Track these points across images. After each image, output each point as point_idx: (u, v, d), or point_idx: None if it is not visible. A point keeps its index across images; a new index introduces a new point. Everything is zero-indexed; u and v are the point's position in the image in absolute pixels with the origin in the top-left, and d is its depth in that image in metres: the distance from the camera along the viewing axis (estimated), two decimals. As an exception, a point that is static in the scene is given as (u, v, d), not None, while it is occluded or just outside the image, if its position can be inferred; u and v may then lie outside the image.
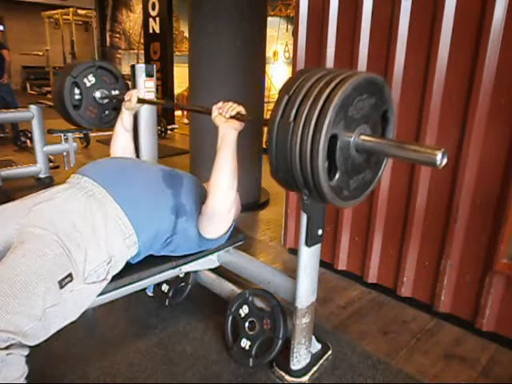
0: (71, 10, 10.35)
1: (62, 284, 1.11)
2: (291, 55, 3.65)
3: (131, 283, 1.42)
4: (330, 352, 1.62)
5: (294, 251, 2.38)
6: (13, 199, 1.37)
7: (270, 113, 1.05)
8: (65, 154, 3.82)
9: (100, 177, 1.38)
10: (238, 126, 1.35)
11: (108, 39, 9.25)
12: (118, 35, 9.32)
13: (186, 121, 7.28)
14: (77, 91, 1.93)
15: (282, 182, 1.11)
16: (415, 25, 1.77)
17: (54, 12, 10.78)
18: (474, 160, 1.68)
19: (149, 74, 2.06)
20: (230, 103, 1.36)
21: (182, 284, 1.90)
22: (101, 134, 5.46)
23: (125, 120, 1.80)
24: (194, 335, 1.73)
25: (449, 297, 1.86)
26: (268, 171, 1.12)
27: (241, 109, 1.35)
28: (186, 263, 1.59)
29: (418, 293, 1.98)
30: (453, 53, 1.68)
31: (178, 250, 1.53)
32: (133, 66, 2.10)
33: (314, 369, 1.53)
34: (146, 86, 2.07)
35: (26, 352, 1.06)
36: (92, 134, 5.40)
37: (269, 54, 8.36)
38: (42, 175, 3.74)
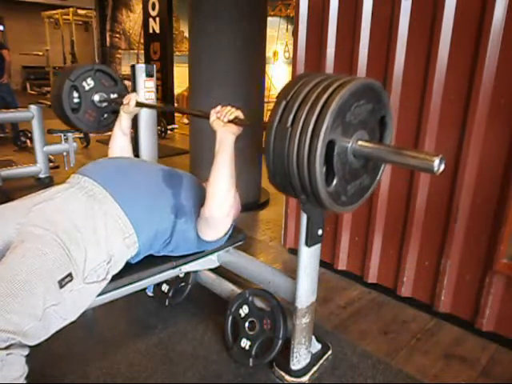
0: (71, 10, 10.35)
1: (61, 284, 1.11)
2: (291, 55, 3.65)
3: (131, 283, 1.42)
4: (329, 352, 1.62)
5: (294, 251, 2.38)
6: (13, 199, 1.36)
7: (269, 113, 1.05)
8: (65, 154, 3.82)
9: (100, 177, 1.38)
10: (235, 130, 1.35)
11: (108, 39, 9.24)
12: (117, 35, 9.32)
13: (186, 121, 7.28)
14: (75, 95, 1.93)
15: (280, 188, 1.11)
16: (415, 25, 1.77)
17: (54, 12, 10.77)
18: (474, 160, 1.68)
19: (149, 74, 2.06)
20: (228, 107, 1.36)
21: (182, 284, 1.90)
22: (101, 133, 5.46)
23: (123, 123, 1.80)
24: (193, 335, 1.73)
25: (449, 297, 1.86)
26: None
27: (239, 113, 1.35)
28: (185, 263, 1.59)
29: (417, 293, 1.98)
30: (453, 53, 1.68)
31: (178, 250, 1.53)
32: (133, 66, 2.10)
33: (314, 369, 1.53)
34: (146, 86, 2.07)
35: (26, 352, 1.06)
36: (92, 134, 5.40)
37: (269, 54, 8.36)
38: (41, 175, 3.74)
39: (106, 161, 1.58)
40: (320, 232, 1.34)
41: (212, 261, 1.74)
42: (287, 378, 1.49)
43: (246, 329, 1.57)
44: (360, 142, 1.04)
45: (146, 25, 6.63)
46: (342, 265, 2.28)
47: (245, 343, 1.56)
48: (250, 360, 1.52)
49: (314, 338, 1.57)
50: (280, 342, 1.49)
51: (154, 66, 2.12)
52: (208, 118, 1.39)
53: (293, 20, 7.31)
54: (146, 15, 6.55)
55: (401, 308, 2.01)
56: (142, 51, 7.21)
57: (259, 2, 3.05)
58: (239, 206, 1.65)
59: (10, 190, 3.36)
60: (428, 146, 1.79)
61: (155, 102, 2.13)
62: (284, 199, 2.53)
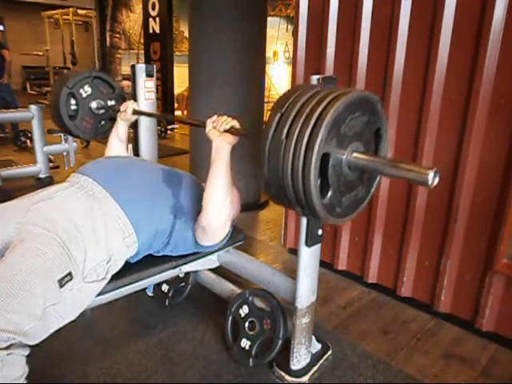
0: (71, 10, 10.34)
1: (61, 283, 1.11)
2: (291, 55, 3.65)
3: (131, 283, 1.42)
4: (329, 352, 1.62)
5: (294, 251, 2.38)
6: (13, 199, 1.36)
7: (269, 113, 1.05)
8: (65, 153, 3.82)
9: (100, 176, 1.38)
10: (231, 139, 1.35)
11: (108, 39, 9.24)
12: (118, 35, 9.31)
13: (186, 121, 7.28)
14: (73, 102, 1.92)
15: (275, 199, 1.11)
16: (415, 25, 1.77)
17: (54, 12, 10.77)
18: (474, 160, 1.68)
19: (149, 74, 2.06)
20: (225, 117, 1.36)
21: (182, 284, 1.90)
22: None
23: (119, 130, 1.80)
24: (193, 335, 1.73)
25: (449, 297, 1.86)
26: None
27: (235, 123, 1.36)
28: (185, 263, 1.59)
29: (417, 293, 1.98)
30: (453, 53, 1.68)
31: (177, 249, 1.53)
32: (133, 66, 2.09)
33: (314, 369, 1.53)
34: (146, 86, 2.06)
35: (27, 352, 1.06)
36: (92, 134, 5.40)
37: (269, 54, 8.37)
38: (42, 175, 3.74)
39: (106, 160, 1.58)
40: (320, 232, 1.34)
41: (212, 261, 1.74)
42: (287, 378, 1.49)
43: (246, 329, 1.57)
44: (355, 154, 1.04)
45: (145, 25, 6.64)
46: (342, 265, 2.28)
47: (245, 343, 1.56)
48: (250, 360, 1.52)
49: (314, 337, 1.57)
50: (280, 342, 1.49)
51: (154, 65, 2.11)
52: (204, 127, 1.39)
53: (293, 20, 7.31)
54: (146, 15, 6.56)
55: (401, 308, 2.01)
56: (142, 51, 7.21)
57: (259, 1, 3.05)
58: (239, 205, 1.65)
59: (10, 190, 3.36)
60: (428, 146, 1.79)
61: (155, 101, 2.13)
62: (284, 199, 2.52)
